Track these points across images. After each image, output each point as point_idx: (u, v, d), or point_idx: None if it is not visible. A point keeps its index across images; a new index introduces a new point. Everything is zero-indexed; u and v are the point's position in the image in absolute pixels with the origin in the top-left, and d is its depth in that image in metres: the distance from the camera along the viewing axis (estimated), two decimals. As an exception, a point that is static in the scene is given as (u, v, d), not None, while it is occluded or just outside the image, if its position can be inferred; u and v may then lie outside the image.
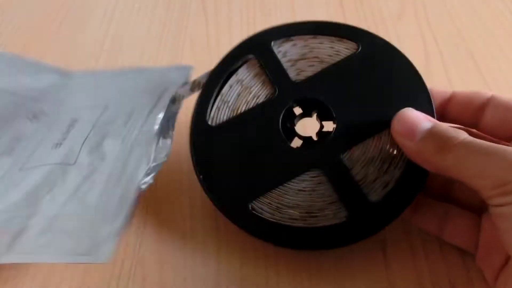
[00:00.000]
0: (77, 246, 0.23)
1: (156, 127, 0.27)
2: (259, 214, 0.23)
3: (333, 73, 0.25)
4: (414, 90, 0.25)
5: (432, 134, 0.21)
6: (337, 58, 0.26)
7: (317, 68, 0.26)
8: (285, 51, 0.27)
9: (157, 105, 0.28)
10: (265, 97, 0.26)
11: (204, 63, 0.36)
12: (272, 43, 0.27)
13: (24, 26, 0.41)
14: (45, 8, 0.42)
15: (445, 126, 0.21)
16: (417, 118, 0.22)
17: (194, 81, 0.28)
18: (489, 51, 0.36)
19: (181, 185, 0.29)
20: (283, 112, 0.25)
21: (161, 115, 0.27)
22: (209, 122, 0.26)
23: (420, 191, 0.23)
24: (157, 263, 0.25)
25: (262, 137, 0.25)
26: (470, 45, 0.37)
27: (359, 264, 0.25)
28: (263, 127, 0.25)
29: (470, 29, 0.38)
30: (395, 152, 0.23)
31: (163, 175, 0.29)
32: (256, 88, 0.26)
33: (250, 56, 0.27)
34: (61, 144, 0.28)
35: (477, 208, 0.24)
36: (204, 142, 0.25)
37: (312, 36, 0.27)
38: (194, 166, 0.25)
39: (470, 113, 0.24)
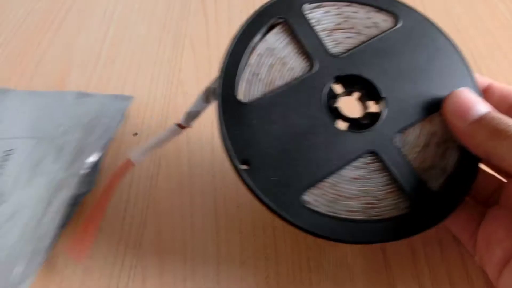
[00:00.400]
0: None
1: (83, 172, 0.27)
2: (314, 208, 0.21)
3: (375, 48, 0.23)
4: (459, 73, 0.23)
5: (488, 118, 0.20)
6: (375, 31, 0.24)
7: (355, 40, 0.23)
8: (318, 19, 0.24)
9: (87, 143, 0.29)
10: (302, 71, 0.23)
11: (204, 63, 0.36)
12: (303, 7, 0.24)
13: (24, 26, 0.41)
14: (45, 8, 0.42)
15: (501, 114, 0.21)
16: (474, 100, 0.21)
17: (208, 89, 0.23)
18: (489, 51, 0.36)
19: (181, 184, 0.28)
20: (327, 90, 0.22)
21: (91, 159, 0.28)
22: (240, 98, 0.22)
23: (476, 177, 0.22)
24: (157, 263, 0.25)
25: (306, 117, 0.22)
26: (470, 45, 0.37)
27: (359, 264, 0.25)
28: (306, 106, 0.22)
29: (470, 29, 0.38)
30: (448, 136, 0.22)
31: (162, 173, 0.29)
32: (291, 60, 0.23)
33: (280, 20, 0.23)
34: None
35: (484, 200, 0.24)
36: (239, 123, 0.21)
37: (346, 3, 0.24)
38: (229, 152, 0.21)
39: (505, 108, 0.23)
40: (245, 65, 0.22)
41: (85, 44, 0.39)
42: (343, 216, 0.21)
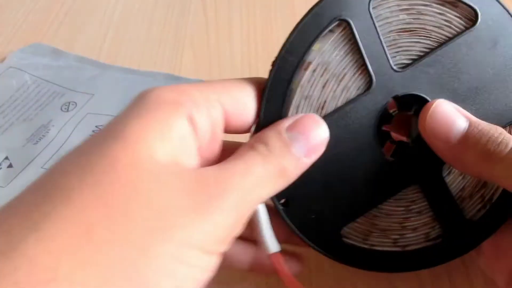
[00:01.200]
0: None
1: None
2: (350, 241, 0.20)
3: (443, 60, 0.19)
4: None
5: (473, 137, 0.18)
6: (447, 33, 0.19)
7: (422, 46, 0.19)
8: (386, 17, 0.19)
9: None
10: (357, 89, 0.19)
11: (204, 63, 0.36)
12: (371, 3, 0.19)
13: (24, 26, 0.41)
14: (45, 9, 0.42)
15: (484, 125, 0.18)
16: (453, 113, 0.18)
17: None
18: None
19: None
20: (380, 113, 0.19)
21: None
22: None
23: None
24: (157, 263, 0.25)
25: (354, 148, 0.19)
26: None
27: (359, 264, 0.25)
28: (356, 134, 0.19)
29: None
30: None
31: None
32: (347, 77, 0.19)
33: (339, 21, 0.19)
34: None
35: None
36: None
37: None
38: None
39: None
40: (295, 86, 0.19)
41: (85, 44, 0.39)
42: (375, 248, 0.20)
